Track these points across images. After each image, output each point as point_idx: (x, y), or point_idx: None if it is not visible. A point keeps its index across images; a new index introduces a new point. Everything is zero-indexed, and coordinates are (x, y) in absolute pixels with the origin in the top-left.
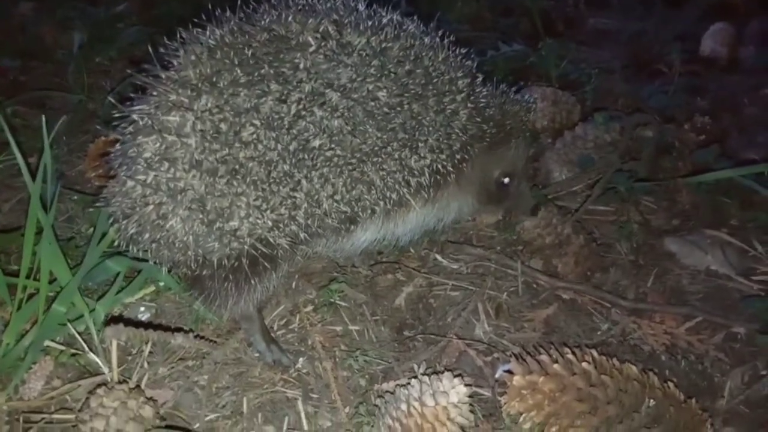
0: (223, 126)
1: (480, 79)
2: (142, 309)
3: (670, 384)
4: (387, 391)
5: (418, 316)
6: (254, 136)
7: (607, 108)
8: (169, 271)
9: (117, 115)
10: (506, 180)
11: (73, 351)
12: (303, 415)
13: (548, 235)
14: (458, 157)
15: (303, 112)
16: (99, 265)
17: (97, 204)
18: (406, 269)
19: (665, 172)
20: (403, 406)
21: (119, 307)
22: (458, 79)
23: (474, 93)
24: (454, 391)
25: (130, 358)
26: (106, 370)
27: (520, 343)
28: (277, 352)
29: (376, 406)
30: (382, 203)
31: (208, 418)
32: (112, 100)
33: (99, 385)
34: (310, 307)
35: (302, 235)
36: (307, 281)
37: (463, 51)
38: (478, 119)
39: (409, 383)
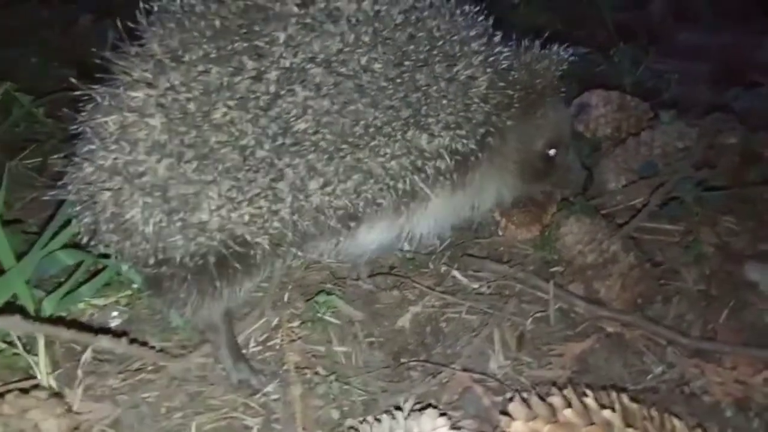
0: (192, 106)
1: (498, 37)
2: (115, 314)
3: None
4: (351, 428)
5: (423, 342)
6: (227, 117)
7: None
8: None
9: (77, 93)
10: (552, 150)
11: (15, 351)
12: None
13: (591, 253)
14: (481, 131)
15: (282, 92)
16: (47, 255)
17: (51, 192)
18: (417, 286)
19: (749, 185)
20: None
21: (91, 310)
22: (471, 39)
23: (493, 54)
24: None
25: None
26: (37, 373)
27: (542, 383)
28: (245, 371)
29: None
30: (388, 195)
31: None
32: (73, 80)
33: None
34: (296, 323)
35: (290, 235)
36: (301, 294)
37: (476, 8)
38: (502, 84)
39: (377, 419)
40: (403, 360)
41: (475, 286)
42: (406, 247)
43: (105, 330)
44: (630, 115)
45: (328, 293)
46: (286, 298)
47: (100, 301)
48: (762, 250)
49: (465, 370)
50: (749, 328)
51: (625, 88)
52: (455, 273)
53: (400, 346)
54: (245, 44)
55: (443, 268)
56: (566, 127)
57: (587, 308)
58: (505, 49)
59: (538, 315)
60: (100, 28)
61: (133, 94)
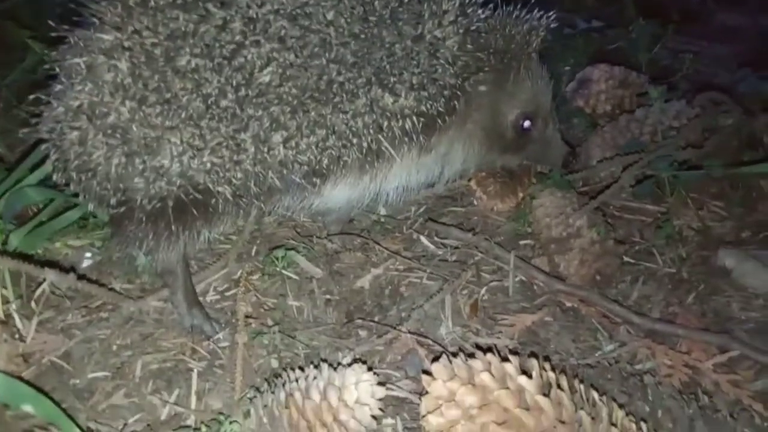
0: (157, 51)
1: None
2: (88, 255)
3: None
4: (277, 376)
5: (380, 303)
6: (191, 64)
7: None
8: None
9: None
10: (527, 123)
11: None
12: (194, 390)
13: (557, 227)
14: (447, 94)
15: (246, 42)
16: (16, 191)
17: (25, 130)
18: (381, 248)
19: (732, 167)
20: (282, 396)
21: (66, 250)
22: None
23: (465, 15)
24: (356, 387)
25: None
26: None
27: (487, 349)
28: (199, 317)
29: (258, 391)
30: (352, 153)
31: (92, 375)
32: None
33: None
34: (257, 276)
35: (253, 187)
36: (268, 248)
37: None
38: (471, 46)
39: (298, 368)
40: (357, 319)
41: (440, 252)
42: (383, 211)
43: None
44: (633, 92)
45: (288, 249)
46: (253, 252)
47: (76, 242)
48: (743, 238)
49: (412, 333)
50: (713, 314)
51: (640, 66)
52: (423, 239)
53: (356, 305)
54: None
55: (414, 235)
56: (545, 100)
57: (545, 281)
58: (480, 12)
59: (496, 284)
60: None
61: (103, 36)
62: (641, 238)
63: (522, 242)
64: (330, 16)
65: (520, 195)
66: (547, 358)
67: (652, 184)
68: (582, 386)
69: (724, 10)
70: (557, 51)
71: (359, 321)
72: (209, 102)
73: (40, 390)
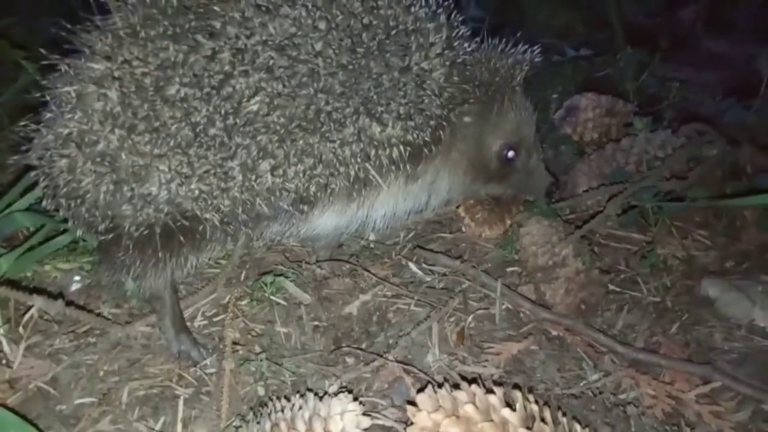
0: (147, 80)
1: (460, 32)
2: (77, 278)
3: None
4: (263, 404)
5: (368, 330)
6: (180, 93)
7: (661, 115)
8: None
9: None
10: (511, 153)
11: None
12: (180, 417)
13: (543, 255)
14: (433, 124)
15: (235, 72)
16: (5, 216)
17: (14, 157)
18: (370, 274)
19: (716, 199)
20: (267, 425)
21: (56, 273)
22: (429, 32)
23: (452, 48)
24: (342, 417)
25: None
26: None
27: (473, 379)
28: (187, 343)
29: (244, 420)
30: (339, 181)
31: (78, 401)
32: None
33: None
34: (245, 301)
35: (241, 214)
36: (257, 273)
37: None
38: (457, 78)
39: (284, 397)
40: (344, 346)
41: (428, 279)
42: (372, 236)
43: (42, 292)
44: (620, 121)
45: (277, 274)
46: (242, 277)
47: (65, 265)
48: (727, 268)
49: (399, 360)
50: (696, 344)
51: (628, 94)
52: (411, 265)
53: (344, 332)
54: (202, 23)
55: (403, 261)
56: (528, 131)
57: (531, 309)
58: (466, 45)
59: (483, 312)
60: None
61: (93, 66)
62: (626, 267)
63: (509, 269)
64: (318, 47)
65: (508, 222)
66: (531, 390)
67: (637, 214)
68: (565, 419)
69: (712, 38)
70: (546, 78)
71: (347, 348)
72: (198, 130)
73: (25, 417)
